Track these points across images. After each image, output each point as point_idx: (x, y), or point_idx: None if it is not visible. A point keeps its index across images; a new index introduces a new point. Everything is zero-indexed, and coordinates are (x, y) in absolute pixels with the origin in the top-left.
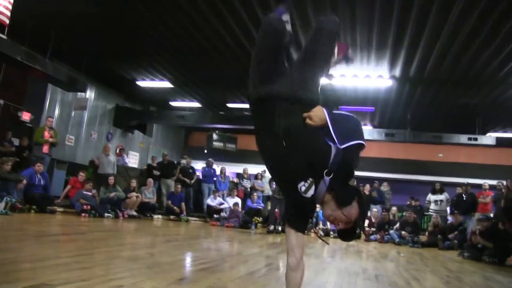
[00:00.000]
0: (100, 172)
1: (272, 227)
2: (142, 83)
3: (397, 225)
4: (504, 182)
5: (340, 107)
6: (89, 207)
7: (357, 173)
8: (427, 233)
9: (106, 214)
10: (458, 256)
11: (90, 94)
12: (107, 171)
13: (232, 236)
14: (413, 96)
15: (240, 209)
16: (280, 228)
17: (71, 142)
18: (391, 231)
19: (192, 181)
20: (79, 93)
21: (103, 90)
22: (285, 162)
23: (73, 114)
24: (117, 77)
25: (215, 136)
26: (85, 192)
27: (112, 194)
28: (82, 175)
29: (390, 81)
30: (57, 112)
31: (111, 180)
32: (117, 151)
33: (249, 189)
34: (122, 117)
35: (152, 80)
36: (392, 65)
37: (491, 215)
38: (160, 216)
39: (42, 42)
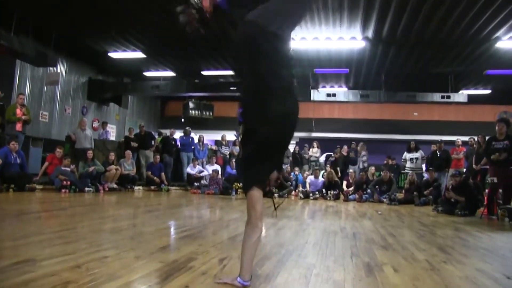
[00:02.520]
0: (77, 147)
1: None
2: (114, 55)
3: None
4: (476, 138)
5: (314, 69)
6: (68, 182)
7: (334, 134)
8: (403, 190)
9: (86, 189)
10: (432, 211)
11: (61, 68)
12: (84, 145)
13: (213, 203)
14: (386, 57)
15: (220, 176)
16: None
17: (45, 118)
18: (369, 190)
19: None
20: (49, 68)
21: (75, 64)
22: (294, 126)
23: (45, 90)
24: (88, 50)
25: (191, 105)
26: (63, 168)
27: (91, 168)
28: (59, 151)
29: (363, 42)
30: (28, 88)
31: (90, 154)
32: (95, 125)
33: (228, 156)
34: (96, 90)
35: (124, 51)
36: (364, 26)
37: (464, 170)
38: (140, 187)
39: (6, 17)
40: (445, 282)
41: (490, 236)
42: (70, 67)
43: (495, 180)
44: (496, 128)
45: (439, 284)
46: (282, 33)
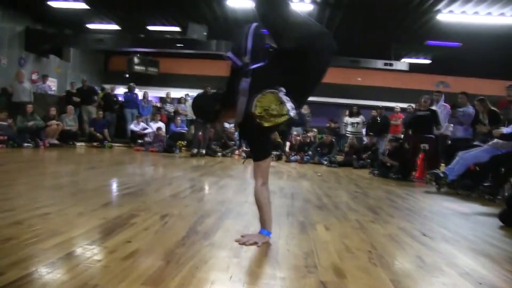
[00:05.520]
0: (14, 100)
1: (195, 151)
2: (54, 3)
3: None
4: (414, 105)
5: None
6: (6, 137)
7: None
8: (343, 153)
9: (25, 144)
10: (369, 174)
11: None
12: (22, 99)
13: (156, 161)
14: (333, 22)
15: (164, 134)
16: (203, 151)
17: None
18: (311, 152)
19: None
20: None
21: (9, 11)
22: None
23: None
24: None
25: (136, 60)
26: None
27: (31, 123)
28: None
29: (311, 5)
30: None
31: (29, 108)
32: (34, 77)
33: (172, 113)
34: (34, 40)
35: (65, 0)
36: None
37: (401, 136)
38: (83, 144)
39: None
40: (370, 239)
41: (416, 198)
42: (3, 14)
43: (427, 146)
44: (422, 100)
45: (364, 241)
46: None
